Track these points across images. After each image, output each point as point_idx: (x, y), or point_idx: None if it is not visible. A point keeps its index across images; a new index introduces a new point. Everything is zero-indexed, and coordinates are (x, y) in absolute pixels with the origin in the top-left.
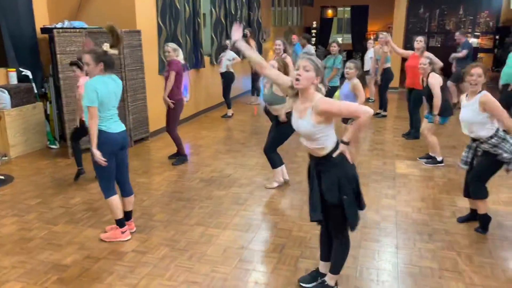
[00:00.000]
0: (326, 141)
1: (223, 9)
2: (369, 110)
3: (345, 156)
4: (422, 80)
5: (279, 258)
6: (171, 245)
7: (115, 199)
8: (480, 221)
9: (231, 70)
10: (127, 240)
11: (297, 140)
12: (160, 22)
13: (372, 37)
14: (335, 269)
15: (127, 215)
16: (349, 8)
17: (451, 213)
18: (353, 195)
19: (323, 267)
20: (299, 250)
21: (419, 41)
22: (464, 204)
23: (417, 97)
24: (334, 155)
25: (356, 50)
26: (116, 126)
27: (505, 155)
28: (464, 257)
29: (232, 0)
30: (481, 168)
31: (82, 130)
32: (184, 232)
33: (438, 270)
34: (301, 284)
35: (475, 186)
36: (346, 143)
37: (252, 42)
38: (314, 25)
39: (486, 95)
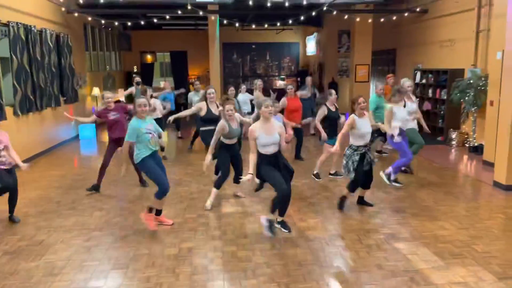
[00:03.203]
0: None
1: (27, 55)
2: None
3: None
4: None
5: None
6: None
7: None
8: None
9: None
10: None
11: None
12: None
13: (243, 83)
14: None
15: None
16: (168, 53)
17: (271, 245)
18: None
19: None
20: None
21: (289, 89)
22: (282, 235)
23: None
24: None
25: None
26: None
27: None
28: (283, 287)
29: (37, 45)
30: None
31: None
32: None
33: None
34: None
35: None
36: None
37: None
38: (135, 70)
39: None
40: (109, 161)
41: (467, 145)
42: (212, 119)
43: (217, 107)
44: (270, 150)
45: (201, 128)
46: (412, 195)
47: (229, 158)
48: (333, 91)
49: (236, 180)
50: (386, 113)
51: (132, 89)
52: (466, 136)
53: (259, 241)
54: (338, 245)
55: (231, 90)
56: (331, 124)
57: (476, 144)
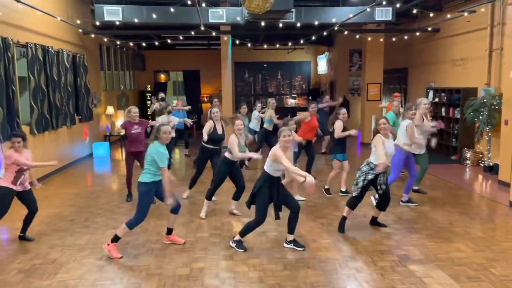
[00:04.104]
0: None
1: (44, 75)
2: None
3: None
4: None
5: None
6: None
7: None
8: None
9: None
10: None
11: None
12: None
13: (259, 101)
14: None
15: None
16: (181, 72)
17: (282, 266)
18: None
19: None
20: None
21: (313, 107)
22: (294, 256)
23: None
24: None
25: (191, 112)
26: None
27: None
28: None
29: (54, 65)
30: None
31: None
32: None
33: None
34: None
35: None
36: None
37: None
38: (149, 89)
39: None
40: (131, 172)
41: (481, 165)
42: (215, 139)
43: (222, 127)
44: (279, 173)
45: (203, 143)
46: (426, 216)
47: (227, 173)
48: (342, 109)
49: (236, 197)
50: (409, 129)
51: (157, 105)
52: (480, 155)
53: (271, 261)
54: (351, 267)
55: (243, 108)
56: (341, 140)
57: (491, 164)
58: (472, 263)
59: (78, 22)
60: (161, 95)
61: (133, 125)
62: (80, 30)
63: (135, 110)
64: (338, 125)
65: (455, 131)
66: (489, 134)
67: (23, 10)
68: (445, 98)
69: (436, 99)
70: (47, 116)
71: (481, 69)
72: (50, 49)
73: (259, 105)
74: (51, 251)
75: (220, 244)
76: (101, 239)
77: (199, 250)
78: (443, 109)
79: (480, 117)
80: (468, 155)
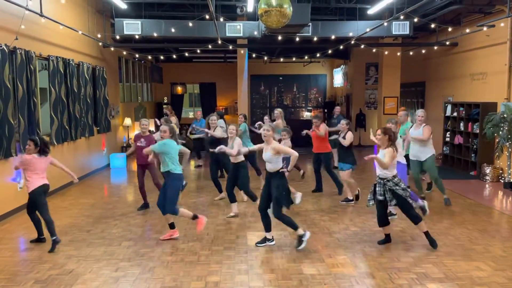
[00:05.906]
0: (277, 164)
1: (64, 87)
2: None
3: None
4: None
5: None
6: None
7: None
8: (427, 239)
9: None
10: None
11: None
12: None
13: (267, 115)
14: (293, 227)
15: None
16: (198, 85)
17: (298, 281)
18: (285, 194)
19: (269, 235)
20: None
21: (314, 122)
22: (309, 272)
23: (327, 158)
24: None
25: None
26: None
27: (401, 191)
28: None
29: (74, 77)
30: (402, 204)
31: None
32: None
33: None
34: (257, 245)
35: (410, 216)
36: (288, 171)
37: (174, 118)
38: (166, 100)
39: (390, 149)
40: (142, 181)
41: (502, 181)
42: (215, 141)
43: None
44: (267, 166)
45: (210, 149)
46: (445, 233)
47: (230, 175)
48: (343, 121)
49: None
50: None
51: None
52: (500, 171)
53: (286, 277)
54: (368, 284)
55: (240, 118)
56: (349, 150)
57: (511, 180)
58: (492, 283)
59: (99, 35)
60: (165, 112)
61: (140, 138)
62: (100, 44)
63: (144, 122)
64: (351, 137)
65: (474, 146)
66: (510, 149)
67: (46, 24)
68: (463, 112)
69: (455, 114)
70: (67, 127)
71: (501, 83)
72: (71, 62)
73: (266, 117)
74: (67, 261)
75: (235, 258)
76: (116, 250)
77: (214, 264)
78: (461, 124)
79: (500, 132)
80: (487, 171)
